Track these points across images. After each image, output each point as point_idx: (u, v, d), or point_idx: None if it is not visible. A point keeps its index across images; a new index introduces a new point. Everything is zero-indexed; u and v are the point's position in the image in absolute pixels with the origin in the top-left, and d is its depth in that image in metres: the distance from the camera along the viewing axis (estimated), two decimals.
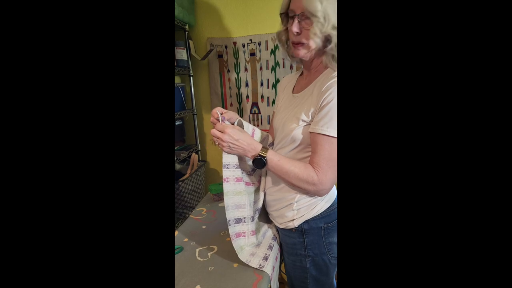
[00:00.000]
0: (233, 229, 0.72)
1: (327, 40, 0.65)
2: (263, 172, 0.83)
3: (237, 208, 0.73)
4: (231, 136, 0.67)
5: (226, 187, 0.71)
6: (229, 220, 0.72)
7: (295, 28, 0.65)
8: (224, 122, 0.72)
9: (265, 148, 0.69)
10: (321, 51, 0.69)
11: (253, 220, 0.76)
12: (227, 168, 0.71)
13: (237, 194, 0.73)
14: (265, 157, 0.68)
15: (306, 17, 0.64)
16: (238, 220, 0.73)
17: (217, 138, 0.69)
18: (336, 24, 0.62)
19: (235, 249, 0.72)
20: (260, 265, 0.71)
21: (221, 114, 0.73)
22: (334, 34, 0.63)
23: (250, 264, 0.71)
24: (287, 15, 0.70)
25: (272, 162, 0.68)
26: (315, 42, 0.65)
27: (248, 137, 0.70)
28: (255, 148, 0.69)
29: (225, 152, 0.70)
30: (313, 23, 0.63)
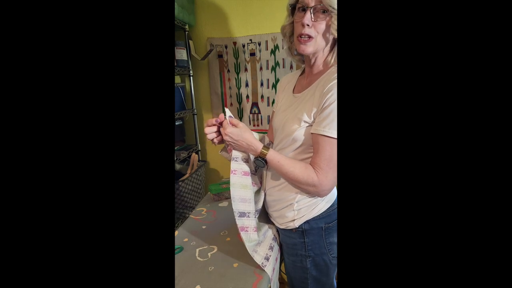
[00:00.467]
0: (238, 221, 0.73)
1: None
2: (263, 172, 0.83)
3: (242, 201, 0.73)
4: (231, 136, 0.68)
5: (233, 179, 0.72)
6: (235, 212, 0.72)
7: (306, 20, 0.63)
8: (232, 118, 0.71)
9: (266, 148, 0.69)
10: (325, 51, 0.69)
11: (255, 216, 0.76)
12: (236, 161, 0.73)
13: (243, 188, 0.73)
14: (265, 158, 0.68)
15: (322, 10, 0.63)
16: (242, 214, 0.73)
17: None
18: None
19: (243, 239, 0.73)
20: (262, 263, 0.72)
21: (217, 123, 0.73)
22: None
23: (254, 258, 0.71)
24: (294, 8, 0.69)
25: (271, 163, 0.69)
26: (329, 36, 0.65)
27: (249, 137, 0.69)
28: (255, 148, 0.69)
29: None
30: (333, 17, 0.62)
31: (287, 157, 0.70)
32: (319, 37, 0.66)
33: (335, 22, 0.62)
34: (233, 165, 0.72)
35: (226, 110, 0.71)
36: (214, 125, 0.71)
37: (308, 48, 0.67)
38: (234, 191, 0.71)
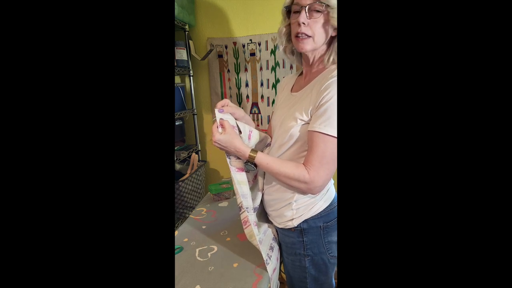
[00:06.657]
0: (242, 215, 0.73)
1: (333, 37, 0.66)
2: (260, 172, 0.83)
3: (243, 197, 0.73)
4: (219, 143, 0.69)
5: (235, 176, 0.73)
6: (239, 206, 0.73)
7: (302, 19, 0.65)
8: (223, 119, 0.71)
9: (254, 151, 0.69)
10: (322, 49, 0.69)
11: (254, 211, 0.77)
12: (229, 158, 0.74)
13: (240, 184, 0.73)
14: (253, 162, 0.70)
15: (316, 9, 0.64)
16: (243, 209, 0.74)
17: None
18: None
19: (247, 235, 0.73)
20: (266, 260, 0.72)
21: (223, 106, 0.74)
22: None
23: (260, 249, 0.72)
24: (289, 11, 0.70)
25: (261, 166, 0.70)
26: (325, 34, 0.66)
27: (236, 142, 0.70)
28: (243, 154, 0.70)
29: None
30: (330, 12, 0.64)
31: (277, 158, 0.72)
32: (316, 35, 0.67)
33: (334, 16, 0.63)
34: (229, 162, 0.74)
35: (216, 111, 0.71)
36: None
37: (306, 46, 0.68)
38: (235, 186, 0.72)
